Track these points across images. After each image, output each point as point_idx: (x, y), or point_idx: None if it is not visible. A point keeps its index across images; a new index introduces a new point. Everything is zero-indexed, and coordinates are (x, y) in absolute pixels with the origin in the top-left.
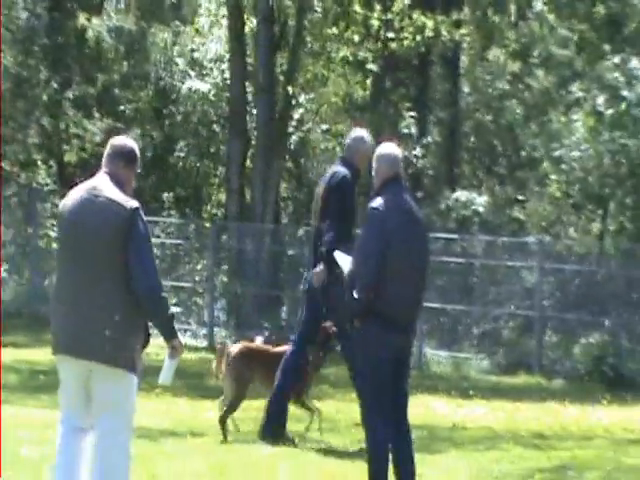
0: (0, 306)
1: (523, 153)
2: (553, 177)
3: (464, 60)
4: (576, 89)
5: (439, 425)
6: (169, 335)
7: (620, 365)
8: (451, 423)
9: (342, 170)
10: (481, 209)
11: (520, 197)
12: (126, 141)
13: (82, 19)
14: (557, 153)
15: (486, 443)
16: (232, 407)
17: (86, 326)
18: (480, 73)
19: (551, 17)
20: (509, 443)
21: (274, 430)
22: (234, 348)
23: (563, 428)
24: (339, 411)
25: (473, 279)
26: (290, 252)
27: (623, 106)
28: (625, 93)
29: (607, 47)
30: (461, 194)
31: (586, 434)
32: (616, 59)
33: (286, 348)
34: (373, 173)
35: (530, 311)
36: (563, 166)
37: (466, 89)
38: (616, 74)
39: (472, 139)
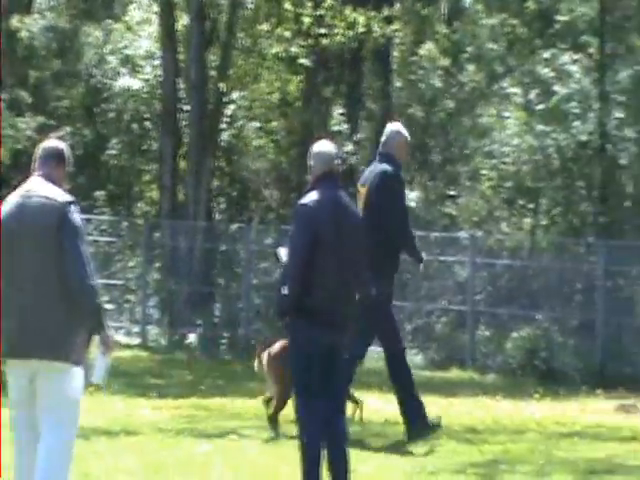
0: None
1: (455, 148)
2: (485, 172)
3: (396, 55)
4: (507, 84)
5: (372, 420)
6: (98, 328)
7: (552, 359)
8: (384, 418)
9: (386, 167)
10: (413, 204)
11: (452, 192)
12: (56, 143)
13: (15, 21)
14: (488, 148)
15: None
16: (279, 406)
17: (30, 325)
18: (412, 68)
19: (482, 12)
20: (442, 438)
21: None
22: (275, 347)
23: (496, 422)
24: None
25: (406, 275)
26: (223, 249)
27: (554, 101)
28: (556, 88)
29: (538, 42)
30: None
31: (518, 428)
32: (546, 54)
33: None
34: (308, 170)
35: (462, 306)
36: (494, 161)
37: (398, 84)
38: (546, 69)
39: None
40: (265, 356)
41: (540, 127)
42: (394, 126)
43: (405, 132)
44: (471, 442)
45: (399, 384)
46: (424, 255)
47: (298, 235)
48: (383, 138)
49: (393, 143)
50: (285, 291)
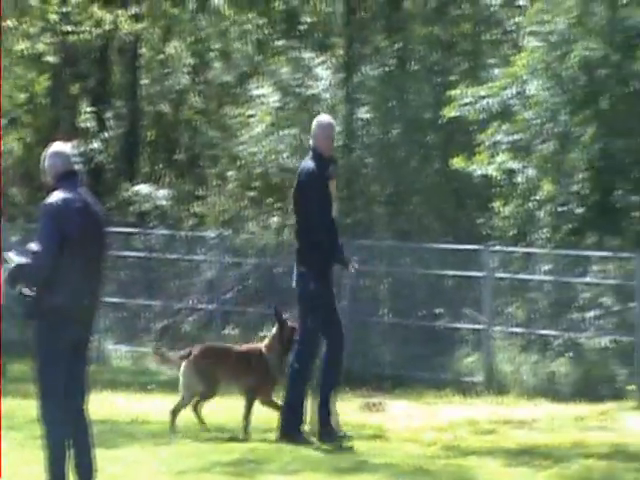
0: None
1: (202, 148)
2: (232, 172)
3: (144, 53)
4: (255, 85)
5: (119, 420)
6: None
7: None
8: (131, 418)
9: (308, 164)
10: (162, 203)
11: (200, 191)
12: None
13: None
14: (236, 148)
15: (166, 437)
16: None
17: None
18: (159, 66)
19: (229, 11)
20: (189, 437)
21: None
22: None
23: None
24: (19, 407)
25: (153, 273)
26: None
27: (301, 102)
28: (302, 89)
29: (285, 43)
30: (141, 188)
31: (267, 426)
32: (293, 54)
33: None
34: (43, 172)
35: (211, 305)
36: (242, 161)
37: (146, 82)
38: (293, 70)
39: (151, 133)
40: (184, 358)
41: (287, 128)
42: (318, 119)
43: (327, 123)
44: (218, 441)
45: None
46: (353, 260)
47: (45, 234)
48: (311, 132)
49: (316, 137)
50: (29, 292)
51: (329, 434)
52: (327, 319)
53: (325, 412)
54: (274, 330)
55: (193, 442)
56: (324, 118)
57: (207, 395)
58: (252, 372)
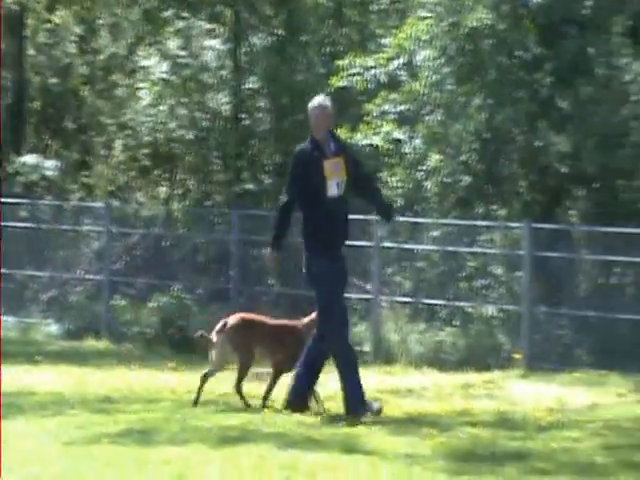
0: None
1: (90, 117)
2: (120, 142)
3: (29, 22)
4: (142, 55)
5: (6, 391)
6: None
7: (187, 328)
8: (17, 389)
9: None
10: (49, 173)
11: (87, 161)
12: None
13: None
14: (124, 118)
15: (53, 408)
16: (242, 375)
17: None
18: (45, 35)
19: None
20: (77, 408)
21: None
22: (232, 319)
23: (131, 391)
24: None
25: (41, 244)
26: None
27: (188, 72)
28: (190, 59)
29: (172, 12)
30: (28, 158)
31: (154, 397)
32: (181, 24)
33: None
34: None
35: (99, 275)
36: (130, 132)
37: (31, 52)
38: (181, 40)
39: (37, 103)
40: (221, 328)
41: (175, 98)
42: (312, 101)
43: (318, 105)
44: (106, 412)
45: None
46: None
47: None
48: None
49: (310, 119)
50: None
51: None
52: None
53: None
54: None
55: (80, 412)
56: (313, 100)
57: (245, 366)
58: (286, 348)
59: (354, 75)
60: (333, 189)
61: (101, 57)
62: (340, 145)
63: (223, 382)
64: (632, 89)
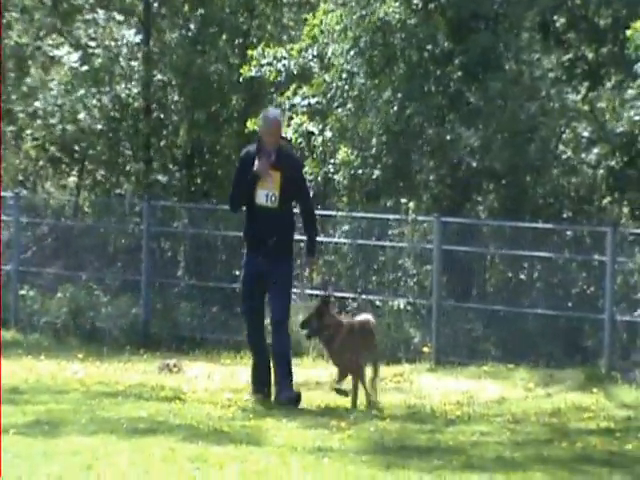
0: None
1: None
2: (29, 132)
3: None
4: (53, 44)
5: None
6: None
7: (96, 319)
8: None
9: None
10: None
11: None
12: None
13: None
14: (34, 108)
15: None
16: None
17: None
18: None
19: None
20: None
21: None
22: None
23: (39, 382)
24: None
25: None
26: None
27: (98, 62)
28: (100, 50)
29: (83, 3)
30: None
31: (62, 388)
32: (91, 15)
33: None
34: None
35: (7, 266)
36: (39, 121)
37: None
38: (91, 30)
39: None
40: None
41: (84, 88)
42: (267, 112)
43: (274, 117)
44: (14, 403)
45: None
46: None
47: None
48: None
49: (260, 128)
50: None
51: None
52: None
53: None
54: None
55: None
56: (270, 111)
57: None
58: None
59: (265, 65)
60: (261, 198)
61: (11, 44)
62: (283, 160)
63: (131, 372)
64: (542, 85)
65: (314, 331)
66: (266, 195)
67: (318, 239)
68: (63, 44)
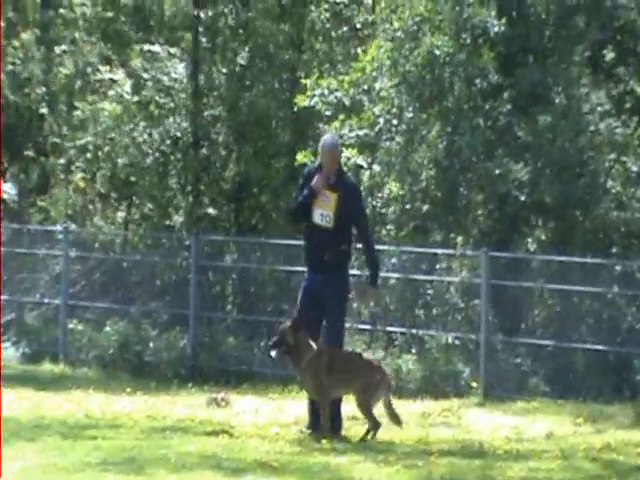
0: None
1: (49, 139)
2: (79, 165)
3: None
4: (104, 76)
5: None
6: None
7: (144, 353)
8: None
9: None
10: (7, 196)
11: (47, 185)
12: None
13: None
14: (83, 141)
15: (10, 434)
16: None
17: None
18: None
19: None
20: (35, 433)
21: None
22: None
23: (88, 416)
24: None
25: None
26: None
27: (149, 95)
28: (151, 83)
29: (134, 35)
30: None
31: (111, 422)
32: (143, 47)
33: None
34: None
35: (56, 299)
36: (89, 155)
37: None
38: (143, 63)
39: None
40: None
41: (135, 121)
42: (324, 137)
43: (328, 144)
44: (64, 437)
45: None
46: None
47: None
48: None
49: (320, 153)
50: None
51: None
52: None
53: None
54: None
55: (39, 438)
56: (328, 137)
57: None
58: None
59: (318, 96)
60: (317, 217)
61: (63, 75)
62: (340, 183)
63: (179, 406)
64: (590, 119)
65: (282, 352)
66: (321, 215)
67: (379, 272)
68: (116, 71)
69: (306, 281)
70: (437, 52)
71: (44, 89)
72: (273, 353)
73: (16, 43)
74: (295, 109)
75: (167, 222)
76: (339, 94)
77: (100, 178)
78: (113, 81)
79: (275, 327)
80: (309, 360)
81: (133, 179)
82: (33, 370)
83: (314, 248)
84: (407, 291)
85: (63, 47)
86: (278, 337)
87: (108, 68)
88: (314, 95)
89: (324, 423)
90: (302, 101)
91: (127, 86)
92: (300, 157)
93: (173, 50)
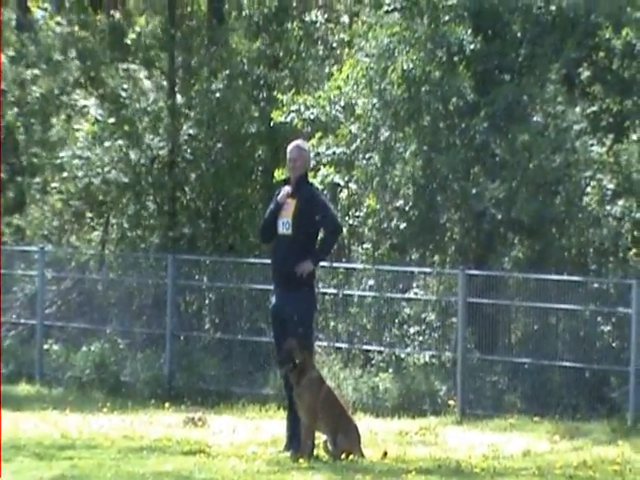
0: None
1: (24, 159)
2: (55, 185)
3: None
4: (79, 96)
5: None
6: None
7: (121, 372)
8: None
9: None
10: None
11: (21, 204)
12: None
13: None
14: (59, 161)
15: None
16: None
17: None
18: None
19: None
20: (10, 453)
21: None
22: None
23: (64, 437)
24: None
25: None
26: None
27: (125, 115)
28: (128, 102)
29: (111, 55)
30: None
31: (87, 442)
32: (119, 67)
33: None
34: None
35: (33, 320)
36: (65, 174)
37: None
38: (119, 83)
39: None
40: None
41: (111, 141)
42: (292, 143)
43: (288, 147)
44: (40, 457)
45: None
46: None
47: None
48: None
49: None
50: None
51: None
52: None
53: None
54: None
55: (14, 457)
56: (291, 144)
57: None
58: None
59: (294, 112)
60: (280, 227)
61: (37, 95)
62: (300, 189)
63: (156, 426)
64: (567, 137)
65: (288, 369)
66: (282, 223)
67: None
68: (90, 96)
69: (272, 303)
70: (413, 70)
71: (15, 109)
72: (281, 370)
73: None
74: (272, 125)
75: (143, 242)
76: (315, 111)
77: (76, 195)
78: (85, 107)
79: (280, 344)
80: (310, 379)
81: (109, 198)
82: (9, 390)
83: (277, 259)
84: (384, 309)
85: (41, 66)
86: (285, 354)
87: (81, 94)
88: (291, 111)
89: (306, 444)
90: (278, 116)
91: (100, 111)
92: (277, 174)
93: (147, 72)
